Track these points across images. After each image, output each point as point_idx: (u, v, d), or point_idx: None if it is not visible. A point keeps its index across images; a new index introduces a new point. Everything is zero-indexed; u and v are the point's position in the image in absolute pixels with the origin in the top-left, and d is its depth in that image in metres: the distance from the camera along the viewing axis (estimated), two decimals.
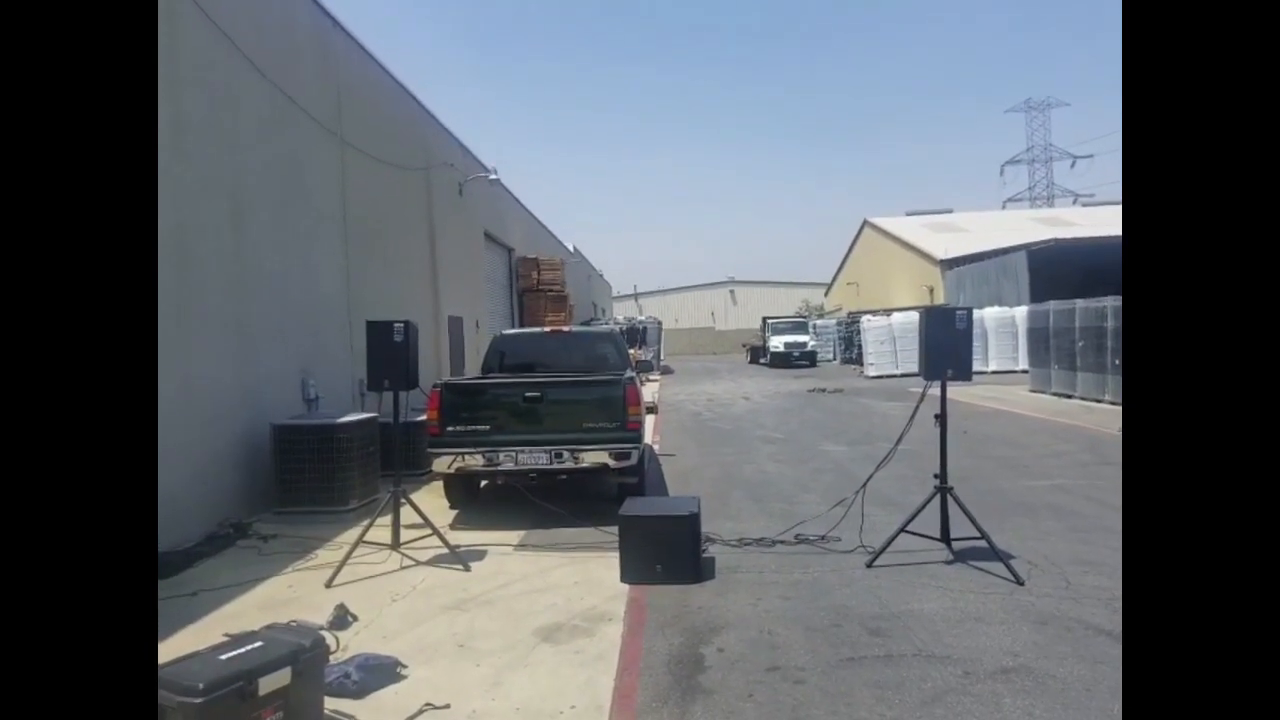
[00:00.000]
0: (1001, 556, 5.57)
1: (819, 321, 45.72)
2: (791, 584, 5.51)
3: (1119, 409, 13.64)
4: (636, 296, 73.31)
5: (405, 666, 4.23)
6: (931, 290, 41.27)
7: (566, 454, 7.25)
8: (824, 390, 22.36)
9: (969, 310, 5.91)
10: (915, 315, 21.53)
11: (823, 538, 6.48)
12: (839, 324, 42.65)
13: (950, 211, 59.02)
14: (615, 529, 5.79)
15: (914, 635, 4.55)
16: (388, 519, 6.39)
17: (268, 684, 3.16)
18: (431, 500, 8.08)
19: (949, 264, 38.93)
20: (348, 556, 6.00)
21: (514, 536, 6.96)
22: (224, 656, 3.20)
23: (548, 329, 11.75)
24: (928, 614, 4.87)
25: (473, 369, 15.10)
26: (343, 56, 11.18)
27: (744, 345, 49.67)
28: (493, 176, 18.76)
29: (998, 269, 32.66)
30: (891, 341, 27.66)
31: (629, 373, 8.37)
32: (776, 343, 37.83)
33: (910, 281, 45.16)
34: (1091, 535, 6.55)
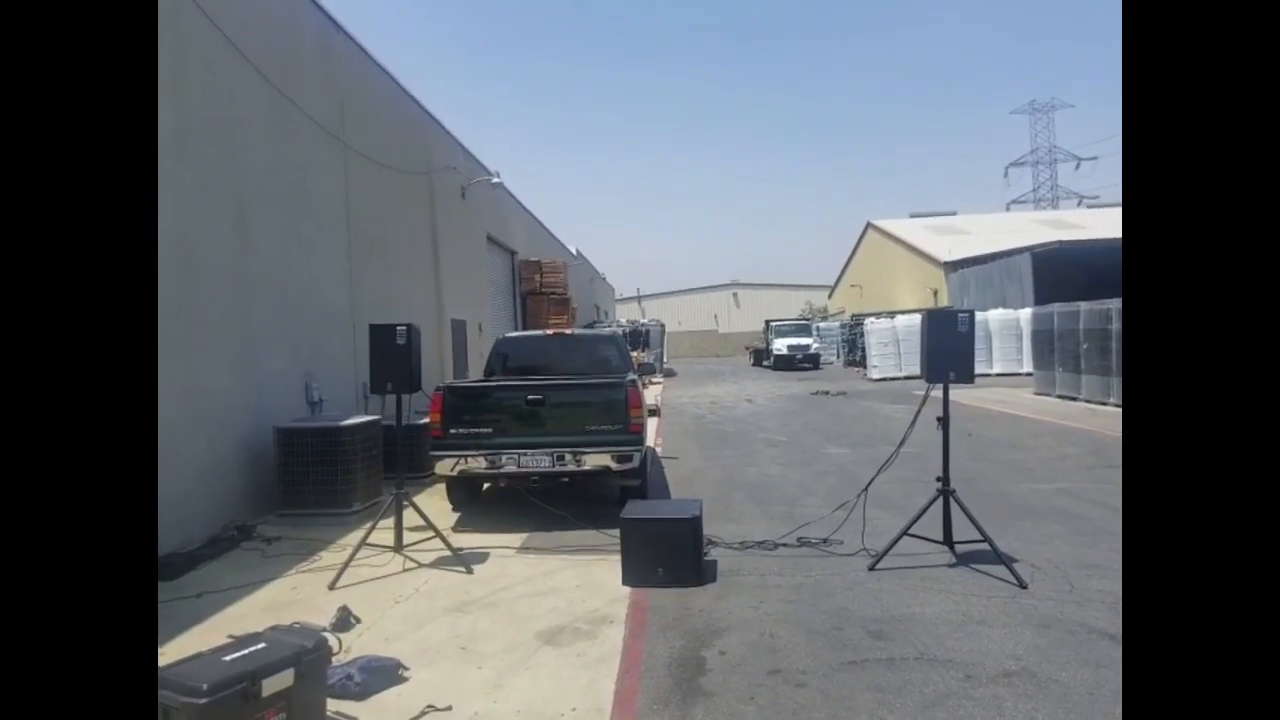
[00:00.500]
0: (1004, 560, 5.56)
1: (822, 324, 45.73)
2: (793, 587, 5.51)
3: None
4: (639, 299, 73.35)
5: (407, 668, 4.24)
6: (935, 293, 41.22)
7: (569, 457, 7.26)
8: (827, 393, 22.33)
9: (970, 313, 5.91)
10: (919, 318, 21.56)
11: (825, 541, 6.48)
12: (842, 326, 42.62)
13: (954, 214, 59.01)
14: (617, 532, 5.80)
15: (916, 639, 4.54)
16: (390, 521, 6.40)
17: (271, 685, 3.18)
18: (434, 503, 8.09)
19: (953, 266, 38.89)
20: (351, 559, 6.01)
21: (516, 539, 6.97)
22: (227, 658, 3.21)
23: (550, 332, 11.76)
24: (930, 617, 4.86)
25: (475, 372, 15.12)
26: (345, 60, 11.22)
27: (747, 348, 49.66)
28: (495, 180, 18.81)
29: (1002, 271, 32.62)
30: (895, 344, 27.64)
31: (631, 375, 8.38)
32: (780, 345, 37.84)
33: (914, 284, 45.12)
34: (1096, 539, 6.54)
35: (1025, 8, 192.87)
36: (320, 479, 7.85)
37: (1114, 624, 4.64)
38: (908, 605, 5.08)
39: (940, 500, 5.93)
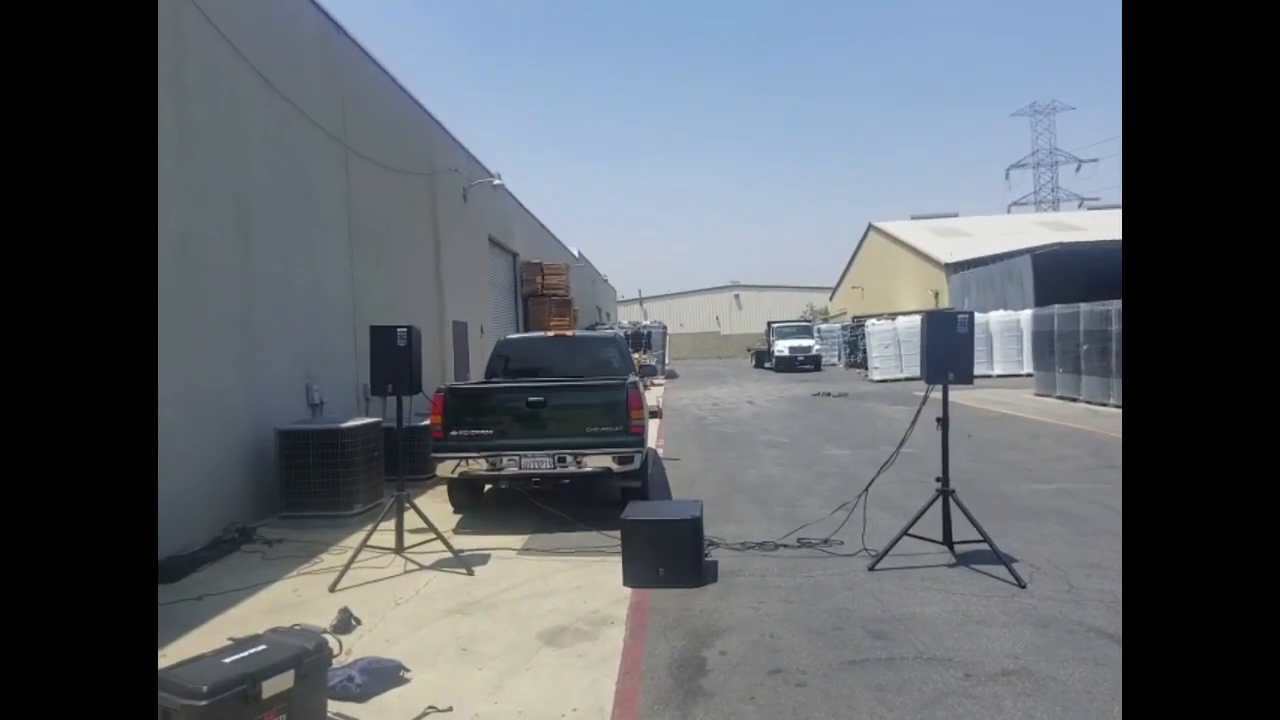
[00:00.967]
0: (1004, 559, 5.57)
1: (824, 326, 45.76)
2: (794, 587, 5.52)
3: None
4: (641, 301, 73.41)
5: (408, 670, 4.25)
6: (936, 294, 41.24)
7: (570, 458, 7.27)
8: (828, 394, 22.33)
9: (970, 314, 5.92)
10: (919, 319, 21.59)
11: (825, 541, 6.48)
12: (844, 328, 42.66)
13: (955, 215, 59.05)
14: (618, 533, 5.81)
15: (915, 638, 4.55)
16: (391, 523, 6.41)
17: (271, 687, 3.18)
18: (435, 505, 8.10)
19: (954, 268, 38.91)
20: (352, 560, 6.02)
21: (517, 541, 6.98)
22: (228, 660, 3.22)
23: (551, 333, 11.78)
24: (929, 617, 4.87)
25: (477, 374, 15.14)
26: (347, 62, 11.24)
27: (749, 349, 49.72)
28: (496, 182, 18.83)
29: (1003, 273, 32.63)
30: (896, 345, 27.65)
31: (632, 377, 8.39)
32: (781, 347, 37.87)
33: (915, 285, 45.14)
34: (1095, 539, 6.54)
35: (1026, 10, 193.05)
36: (321, 481, 7.86)
37: (1112, 623, 4.64)
38: (908, 605, 5.08)
39: (940, 501, 5.93)
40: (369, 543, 6.20)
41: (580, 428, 7.39)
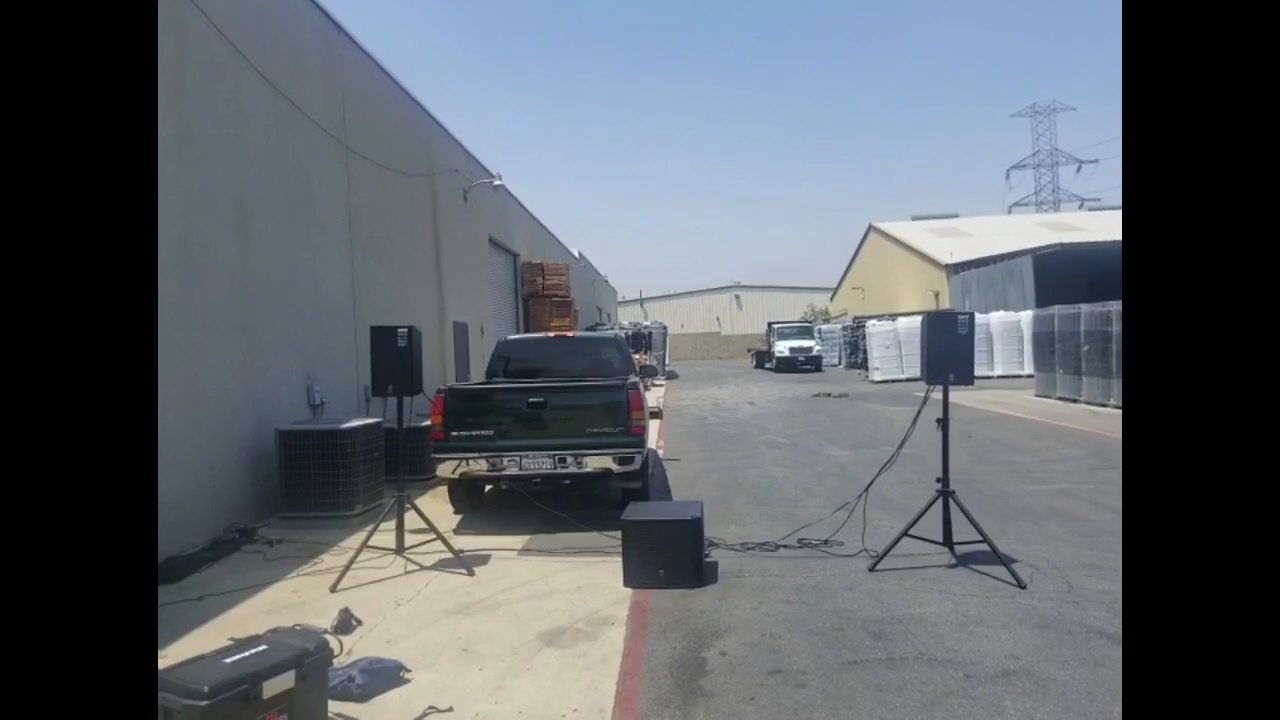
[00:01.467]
0: (1004, 560, 5.57)
1: (824, 326, 45.73)
2: (794, 588, 5.52)
3: None
4: (642, 301, 73.40)
5: (409, 670, 4.25)
6: (937, 295, 41.25)
7: (570, 459, 7.27)
8: (829, 395, 22.33)
9: (970, 315, 5.92)
10: (920, 320, 21.60)
11: (826, 542, 6.49)
12: (844, 329, 42.63)
13: (956, 216, 59.09)
14: (619, 534, 5.81)
15: (915, 639, 4.55)
16: (392, 524, 6.41)
17: (272, 687, 3.19)
18: (435, 505, 8.11)
19: (955, 269, 38.94)
20: (352, 561, 6.03)
21: (518, 541, 6.98)
22: (228, 660, 3.22)
23: (552, 334, 11.79)
24: (929, 617, 4.87)
25: (477, 374, 15.15)
26: (348, 63, 11.25)
27: (749, 350, 49.70)
28: (497, 182, 18.84)
29: (1003, 274, 32.65)
30: (897, 346, 27.64)
31: (632, 378, 8.40)
32: (782, 348, 37.87)
33: (916, 286, 45.15)
34: (1095, 539, 6.54)
35: (1027, 10, 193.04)
36: (322, 481, 7.87)
37: (1112, 623, 4.64)
38: (908, 605, 5.08)
39: (940, 501, 5.94)
40: (370, 543, 6.20)
41: (581, 428, 7.40)
